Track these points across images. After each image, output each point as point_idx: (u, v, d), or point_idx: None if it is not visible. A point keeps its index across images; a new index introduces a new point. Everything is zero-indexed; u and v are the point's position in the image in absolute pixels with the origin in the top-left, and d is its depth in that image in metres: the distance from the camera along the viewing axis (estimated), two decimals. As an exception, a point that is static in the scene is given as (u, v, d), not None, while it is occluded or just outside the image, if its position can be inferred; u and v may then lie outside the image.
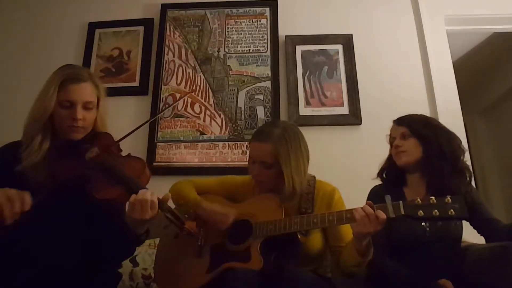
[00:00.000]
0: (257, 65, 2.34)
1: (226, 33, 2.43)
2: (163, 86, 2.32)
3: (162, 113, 1.21)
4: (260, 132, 1.38)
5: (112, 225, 1.16)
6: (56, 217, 1.15)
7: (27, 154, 1.17)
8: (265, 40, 2.39)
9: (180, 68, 2.36)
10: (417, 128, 1.42)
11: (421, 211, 1.06)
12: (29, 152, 1.17)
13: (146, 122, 1.25)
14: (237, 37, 2.41)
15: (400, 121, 1.48)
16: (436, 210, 1.04)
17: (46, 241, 1.13)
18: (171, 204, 1.20)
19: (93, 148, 1.21)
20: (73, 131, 1.22)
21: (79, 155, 1.16)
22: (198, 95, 2.30)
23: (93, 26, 2.48)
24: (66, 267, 1.13)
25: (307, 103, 2.26)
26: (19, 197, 0.98)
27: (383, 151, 1.56)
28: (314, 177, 1.41)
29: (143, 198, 1.07)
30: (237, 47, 2.39)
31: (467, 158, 1.47)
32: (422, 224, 1.35)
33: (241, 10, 2.47)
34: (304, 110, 2.24)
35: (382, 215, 1.08)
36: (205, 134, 2.23)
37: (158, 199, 1.11)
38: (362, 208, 1.12)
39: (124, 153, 1.33)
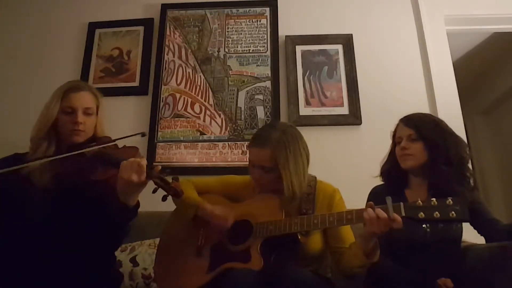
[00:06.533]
0: (257, 65, 2.34)
1: (226, 33, 2.43)
2: (163, 86, 2.32)
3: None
4: (258, 137, 1.35)
5: (107, 203, 1.21)
6: (57, 209, 1.24)
7: (34, 159, 1.25)
8: (265, 40, 2.39)
9: (180, 68, 2.36)
10: (425, 132, 1.39)
11: (422, 213, 1.05)
12: (35, 157, 1.26)
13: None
14: (237, 37, 2.41)
15: (409, 122, 1.44)
16: (437, 212, 1.03)
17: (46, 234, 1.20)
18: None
19: (92, 144, 1.29)
20: (75, 134, 1.32)
21: (80, 156, 1.23)
22: (198, 95, 2.30)
23: (93, 26, 2.48)
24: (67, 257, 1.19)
25: (307, 103, 2.26)
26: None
27: (383, 151, 1.56)
28: (315, 177, 1.41)
29: (133, 160, 1.14)
30: (237, 47, 2.39)
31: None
32: (423, 226, 1.35)
33: (241, 10, 2.47)
34: (304, 110, 2.24)
35: (398, 218, 1.05)
36: (205, 134, 2.22)
37: (147, 167, 1.15)
38: (375, 211, 1.09)
39: None
